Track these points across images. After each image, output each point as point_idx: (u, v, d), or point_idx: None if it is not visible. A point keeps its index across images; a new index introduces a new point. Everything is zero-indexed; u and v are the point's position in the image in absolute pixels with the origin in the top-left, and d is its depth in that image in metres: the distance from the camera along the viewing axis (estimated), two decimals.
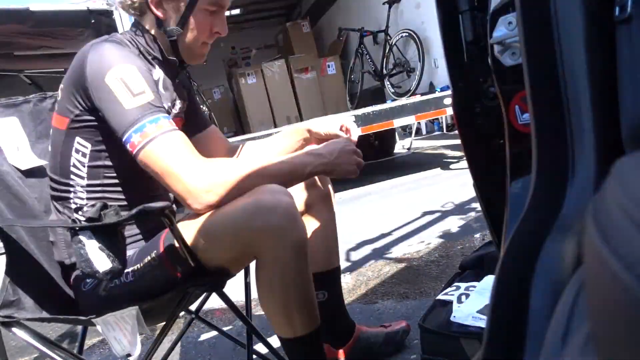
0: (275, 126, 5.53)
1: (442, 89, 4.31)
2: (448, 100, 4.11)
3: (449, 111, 4.23)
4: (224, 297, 1.03)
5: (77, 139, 0.98)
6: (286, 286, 0.95)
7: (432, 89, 4.52)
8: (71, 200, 1.02)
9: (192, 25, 1.03)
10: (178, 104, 1.12)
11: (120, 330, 0.91)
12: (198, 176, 0.89)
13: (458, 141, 1.17)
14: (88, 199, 1.01)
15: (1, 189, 1.06)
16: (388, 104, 4.36)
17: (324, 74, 6.01)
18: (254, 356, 1.26)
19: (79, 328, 1.32)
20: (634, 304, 0.20)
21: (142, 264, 0.97)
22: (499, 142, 0.99)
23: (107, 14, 3.90)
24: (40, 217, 1.12)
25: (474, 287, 1.25)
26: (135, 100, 0.89)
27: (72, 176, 1.01)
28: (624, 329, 0.22)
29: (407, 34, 4.62)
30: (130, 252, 0.99)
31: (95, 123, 0.96)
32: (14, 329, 0.98)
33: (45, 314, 1.02)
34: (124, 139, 0.89)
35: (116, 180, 1.02)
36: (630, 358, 0.22)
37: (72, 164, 1.00)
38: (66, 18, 4.17)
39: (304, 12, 7.37)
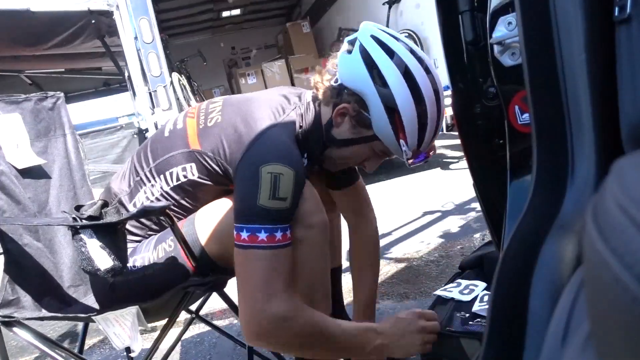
0: None
1: (442, 89, 4.30)
2: (448, 100, 4.09)
3: (449, 111, 4.22)
4: (225, 297, 1.03)
5: (193, 164, 0.99)
6: (311, 266, 0.94)
7: None
8: (144, 187, 1.04)
9: (353, 151, 1.03)
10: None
11: (120, 326, 0.91)
12: (267, 313, 0.84)
13: (458, 141, 1.16)
14: (156, 199, 1.03)
15: None
16: None
17: None
18: (254, 356, 1.26)
19: (80, 328, 1.32)
20: (633, 303, 0.20)
21: (157, 252, 1.00)
22: (499, 142, 0.99)
23: (107, 14, 3.89)
24: (33, 217, 1.12)
25: (476, 285, 1.25)
26: (271, 202, 0.84)
27: (162, 176, 1.02)
28: (623, 328, 0.22)
29: (406, 34, 4.62)
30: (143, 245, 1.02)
31: (218, 172, 0.98)
32: (15, 329, 0.98)
33: (44, 312, 1.02)
34: (235, 225, 0.86)
35: (189, 206, 1.04)
36: (629, 358, 0.22)
37: (171, 171, 1.01)
38: (67, 18, 4.17)
39: (304, 12, 7.37)
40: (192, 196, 1.03)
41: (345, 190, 1.29)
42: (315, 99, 1.05)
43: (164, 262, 0.99)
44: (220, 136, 0.96)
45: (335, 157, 1.06)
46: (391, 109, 0.94)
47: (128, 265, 0.97)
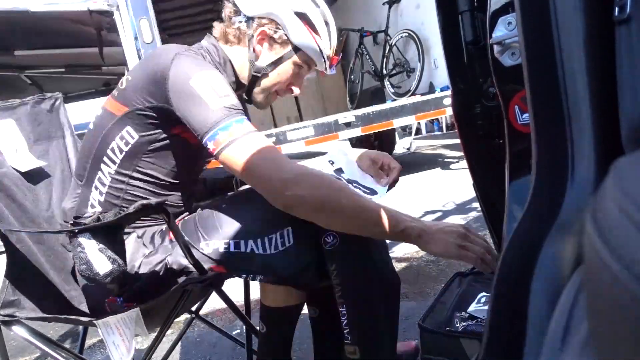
0: (275, 126, 5.53)
1: (442, 89, 4.31)
2: (448, 100, 4.11)
3: (449, 111, 4.23)
4: (224, 297, 1.03)
5: (128, 127, 0.98)
6: None
7: (432, 89, 4.52)
8: (92, 184, 1.02)
9: (281, 71, 1.09)
10: None
11: (119, 335, 0.90)
12: (284, 170, 0.87)
13: (458, 141, 1.15)
14: (110, 187, 1.01)
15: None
16: (388, 104, 4.36)
17: (324, 74, 5.99)
18: (254, 356, 1.26)
19: (80, 328, 1.32)
20: (633, 303, 0.20)
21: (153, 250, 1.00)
22: (498, 142, 0.99)
23: (107, 14, 3.89)
24: (37, 221, 1.12)
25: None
26: (221, 100, 0.89)
27: (105, 158, 1.00)
28: (623, 328, 0.22)
29: (407, 34, 4.62)
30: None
31: (156, 121, 0.97)
32: (15, 328, 0.97)
33: (44, 314, 1.01)
34: (207, 137, 0.88)
35: (144, 177, 1.02)
36: (629, 357, 0.22)
37: (110, 147, 1.00)
38: (66, 19, 4.17)
39: None
40: (145, 163, 1.00)
41: None
42: (211, 42, 1.10)
43: (161, 261, 0.99)
44: (136, 86, 0.96)
45: (267, 87, 1.11)
46: (300, 14, 1.05)
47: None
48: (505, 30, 0.74)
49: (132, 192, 1.02)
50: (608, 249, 0.22)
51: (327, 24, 1.10)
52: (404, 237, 0.87)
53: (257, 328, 1.18)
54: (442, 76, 4.38)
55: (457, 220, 2.75)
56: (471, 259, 0.85)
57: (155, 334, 1.01)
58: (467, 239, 0.86)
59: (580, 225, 0.44)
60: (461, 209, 2.99)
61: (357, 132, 4.17)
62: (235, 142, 0.87)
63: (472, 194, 1.16)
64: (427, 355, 1.14)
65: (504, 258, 0.50)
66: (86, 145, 1.05)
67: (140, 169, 1.01)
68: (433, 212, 3.03)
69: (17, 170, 1.13)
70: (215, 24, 1.12)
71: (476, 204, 2.79)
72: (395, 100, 4.72)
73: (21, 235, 1.03)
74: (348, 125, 4.07)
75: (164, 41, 4.37)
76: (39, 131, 1.24)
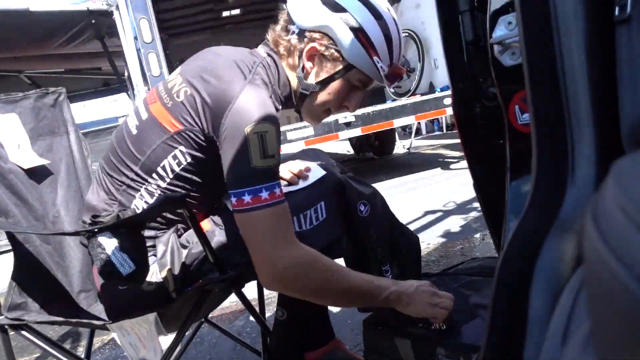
0: None
1: (442, 89, 4.31)
2: (448, 100, 4.11)
3: (449, 111, 4.23)
4: (243, 298, 1.01)
5: (181, 148, 0.96)
6: None
7: (432, 89, 4.52)
8: (138, 192, 0.99)
9: (331, 90, 1.02)
10: None
11: (135, 335, 0.88)
12: (287, 259, 0.89)
13: (458, 141, 1.16)
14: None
15: (5, 188, 1.03)
16: (388, 104, 4.36)
17: None
18: (253, 354, 1.25)
19: (81, 328, 1.32)
20: (633, 303, 0.20)
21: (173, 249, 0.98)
22: (498, 142, 0.99)
23: (107, 14, 3.89)
24: (43, 220, 1.10)
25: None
26: (263, 161, 0.87)
27: (154, 175, 0.98)
28: (623, 328, 0.22)
29: (407, 34, 4.62)
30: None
31: (206, 144, 0.95)
32: (23, 332, 0.96)
33: (55, 317, 0.99)
34: (234, 191, 0.88)
35: (194, 194, 1.01)
36: (630, 357, 0.22)
37: (162, 165, 0.97)
38: (66, 18, 4.17)
39: None
40: (193, 182, 0.99)
41: None
42: (270, 54, 1.05)
43: (182, 260, 0.97)
44: (195, 107, 0.93)
45: (316, 105, 1.05)
46: (355, 29, 0.96)
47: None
48: (506, 30, 0.74)
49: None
50: (608, 249, 0.22)
51: (388, 38, 0.99)
52: (387, 303, 0.96)
53: (272, 320, 1.15)
54: (442, 76, 4.38)
55: (457, 220, 2.75)
56: (443, 316, 0.96)
57: (165, 337, 0.99)
58: (436, 295, 0.98)
59: (580, 225, 0.44)
60: (461, 209, 2.99)
61: (357, 132, 4.17)
62: (257, 210, 0.86)
63: (472, 194, 1.16)
64: (370, 354, 1.12)
65: (504, 258, 0.50)
66: (128, 151, 1.00)
67: (191, 187, 1.00)
68: (433, 212, 3.03)
69: (19, 167, 1.10)
70: (271, 28, 1.06)
71: (476, 204, 2.78)
72: (395, 100, 4.72)
73: (28, 234, 1.01)
74: (348, 125, 4.07)
75: (164, 41, 4.37)
76: (42, 126, 1.20)
